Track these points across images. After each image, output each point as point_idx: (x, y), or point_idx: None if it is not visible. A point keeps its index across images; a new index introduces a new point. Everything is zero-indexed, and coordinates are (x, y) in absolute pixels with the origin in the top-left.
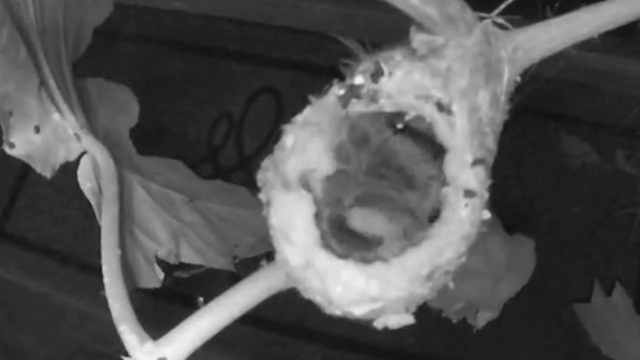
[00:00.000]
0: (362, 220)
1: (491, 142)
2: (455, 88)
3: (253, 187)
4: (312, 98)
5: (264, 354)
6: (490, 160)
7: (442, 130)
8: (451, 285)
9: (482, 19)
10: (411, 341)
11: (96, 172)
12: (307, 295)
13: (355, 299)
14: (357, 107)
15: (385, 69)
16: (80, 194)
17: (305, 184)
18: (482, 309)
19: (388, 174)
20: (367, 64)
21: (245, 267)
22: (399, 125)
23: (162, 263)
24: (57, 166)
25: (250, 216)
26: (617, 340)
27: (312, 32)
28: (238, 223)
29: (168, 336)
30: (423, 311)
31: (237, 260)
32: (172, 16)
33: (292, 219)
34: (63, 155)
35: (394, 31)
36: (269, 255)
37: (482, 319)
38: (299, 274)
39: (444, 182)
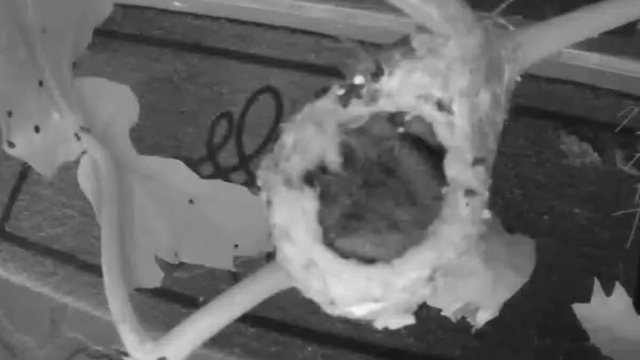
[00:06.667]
0: (349, 242)
1: (491, 142)
2: (455, 88)
3: (253, 187)
4: (312, 98)
5: (264, 353)
6: (491, 159)
7: (442, 129)
8: (451, 285)
9: (482, 18)
10: (411, 341)
11: (96, 172)
12: (307, 295)
13: (356, 299)
14: (357, 106)
15: (385, 69)
16: (80, 194)
17: (308, 181)
18: (482, 308)
19: (390, 182)
20: (367, 64)
21: (245, 267)
22: (400, 129)
23: (162, 263)
24: (57, 166)
25: (250, 216)
26: (617, 340)
27: (312, 32)
28: (238, 223)
29: (168, 336)
30: (423, 311)
31: (237, 261)
32: (172, 16)
33: (293, 217)
34: (63, 155)
35: (394, 31)
36: (269, 255)
37: (482, 319)
38: (299, 273)
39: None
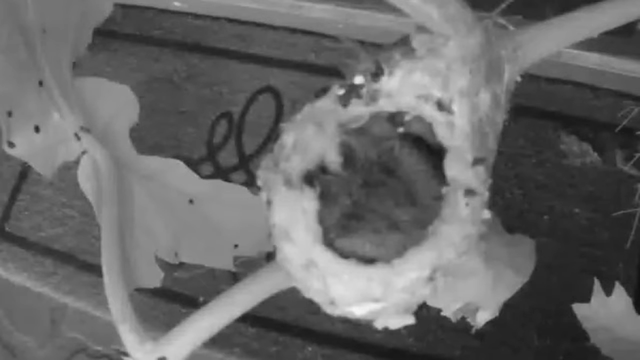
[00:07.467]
0: (349, 242)
1: (491, 142)
2: (455, 88)
3: (253, 187)
4: (312, 98)
5: (264, 353)
6: (491, 159)
7: (442, 129)
8: (451, 285)
9: (482, 18)
10: (411, 341)
11: (96, 172)
12: (308, 295)
13: (356, 299)
14: (357, 106)
15: (385, 69)
16: (80, 194)
17: (308, 181)
18: (482, 309)
19: (390, 182)
20: (367, 64)
21: (245, 267)
22: (400, 129)
23: (162, 263)
24: (57, 166)
25: (250, 216)
26: (617, 340)
27: (312, 32)
28: (238, 223)
29: (168, 336)
30: (423, 311)
31: (237, 261)
32: (172, 16)
33: (293, 217)
34: (63, 155)
35: (394, 31)
36: (269, 255)
37: (482, 319)
38: (299, 273)
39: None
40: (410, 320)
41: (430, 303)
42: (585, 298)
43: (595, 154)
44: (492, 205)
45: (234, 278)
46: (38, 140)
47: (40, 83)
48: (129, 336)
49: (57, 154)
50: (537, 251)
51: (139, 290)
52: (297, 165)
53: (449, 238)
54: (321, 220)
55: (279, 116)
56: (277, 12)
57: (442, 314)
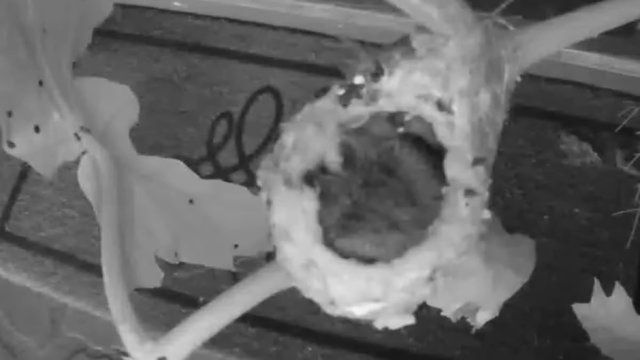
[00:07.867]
0: (349, 242)
1: (491, 142)
2: (455, 88)
3: (253, 187)
4: (312, 98)
5: (264, 353)
6: (491, 159)
7: (442, 129)
8: (451, 285)
9: (482, 18)
10: (411, 341)
11: (96, 172)
12: (308, 295)
13: (356, 299)
14: (357, 106)
15: (385, 69)
16: (80, 194)
17: (308, 181)
18: (482, 309)
19: (390, 182)
20: (367, 64)
21: (245, 267)
22: (400, 129)
23: (162, 263)
24: (57, 166)
25: (250, 216)
26: (617, 340)
27: (312, 32)
28: (238, 223)
29: (168, 336)
30: (423, 311)
31: (237, 261)
32: (172, 16)
33: (293, 217)
34: (63, 155)
35: (394, 31)
36: (269, 255)
37: (482, 319)
38: (299, 273)
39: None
40: (410, 320)
41: (430, 303)
42: (585, 298)
43: (595, 154)
44: (492, 205)
45: (234, 278)
46: (38, 140)
47: (40, 83)
48: (129, 336)
49: (57, 154)
50: (537, 251)
51: (139, 290)
52: (297, 165)
53: (449, 238)
54: (321, 220)
55: (279, 116)
56: (277, 12)
57: (442, 314)
